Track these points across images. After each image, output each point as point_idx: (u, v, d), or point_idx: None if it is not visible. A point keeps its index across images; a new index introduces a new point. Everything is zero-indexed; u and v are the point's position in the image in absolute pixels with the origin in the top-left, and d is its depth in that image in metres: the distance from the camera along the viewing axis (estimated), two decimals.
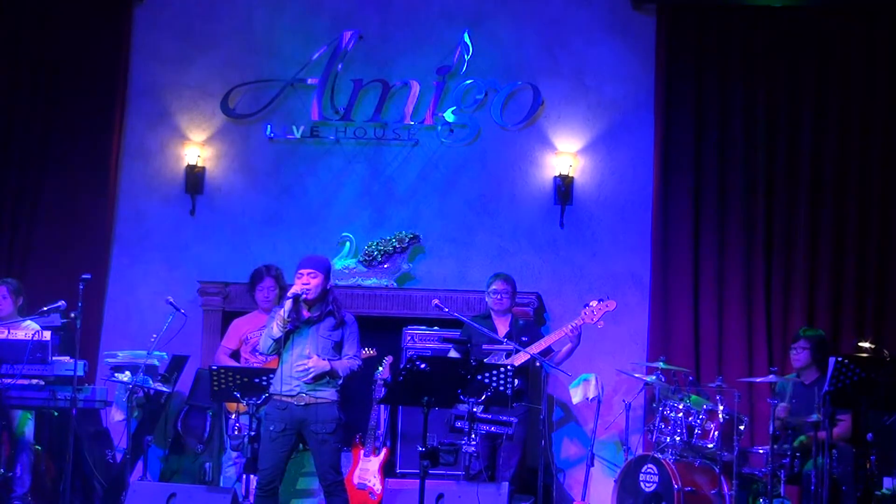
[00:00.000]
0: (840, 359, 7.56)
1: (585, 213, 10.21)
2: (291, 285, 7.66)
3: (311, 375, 7.44)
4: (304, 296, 7.45)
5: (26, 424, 8.87)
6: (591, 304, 8.70)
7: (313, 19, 10.47)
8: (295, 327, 7.48)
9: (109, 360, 9.51)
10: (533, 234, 10.23)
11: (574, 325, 8.65)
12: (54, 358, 8.72)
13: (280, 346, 7.46)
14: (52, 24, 10.47)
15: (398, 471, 9.38)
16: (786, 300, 9.82)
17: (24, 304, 9.16)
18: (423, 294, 9.86)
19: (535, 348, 8.64)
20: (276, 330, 7.45)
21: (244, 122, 10.44)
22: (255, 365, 8.66)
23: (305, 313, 7.52)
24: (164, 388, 8.99)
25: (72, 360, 8.52)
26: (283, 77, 10.38)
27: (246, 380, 8.10)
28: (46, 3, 10.51)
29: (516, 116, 10.25)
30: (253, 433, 8.00)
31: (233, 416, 8.38)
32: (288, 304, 7.42)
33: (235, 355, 9.22)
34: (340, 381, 7.53)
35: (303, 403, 7.48)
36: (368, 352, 8.91)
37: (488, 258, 10.12)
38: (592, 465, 9.34)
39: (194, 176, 10.41)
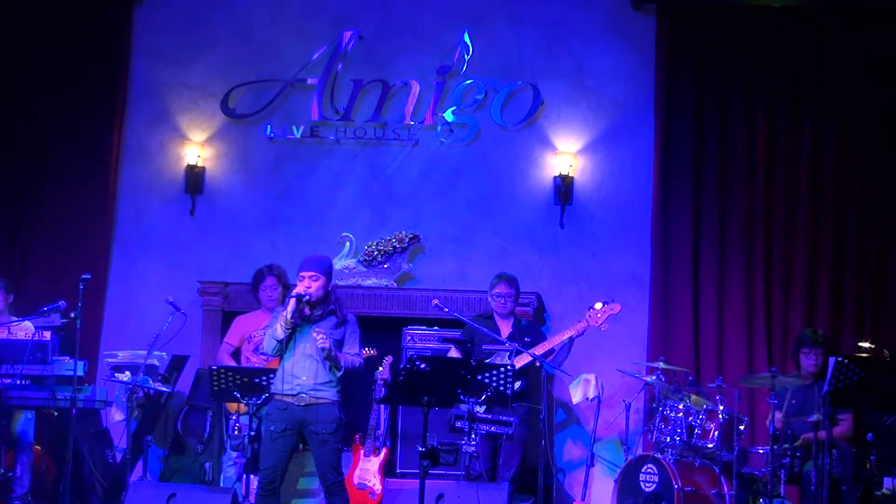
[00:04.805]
0: (840, 359, 7.56)
1: (585, 213, 10.21)
2: (294, 285, 7.67)
3: (327, 343, 7.39)
4: (306, 297, 7.46)
5: (19, 422, 8.86)
6: (595, 306, 8.69)
7: (313, 19, 10.46)
8: (297, 326, 7.49)
9: (109, 360, 9.52)
10: (533, 234, 10.23)
11: (578, 329, 8.63)
12: (54, 358, 8.72)
13: (283, 346, 7.47)
14: (52, 24, 10.46)
15: (398, 471, 9.38)
16: (786, 300, 9.82)
17: (15, 302, 9.14)
18: (423, 294, 9.86)
19: (538, 350, 8.62)
20: (279, 331, 7.46)
21: (244, 122, 10.44)
22: (256, 364, 8.66)
23: (308, 312, 7.53)
24: (164, 388, 8.99)
25: (72, 360, 8.52)
26: (283, 77, 10.38)
27: (246, 380, 8.11)
28: (46, 3, 10.51)
29: (516, 116, 10.25)
30: (253, 433, 8.01)
31: (233, 417, 8.39)
32: (291, 304, 7.42)
33: (237, 353, 9.21)
34: (340, 373, 7.52)
35: (303, 404, 7.49)
36: (369, 351, 8.92)
37: (488, 258, 10.11)
38: (593, 465, 9.35)
39: (194, 176, 10.41)
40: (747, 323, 9.82)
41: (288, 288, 8.66)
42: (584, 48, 10.29)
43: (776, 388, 8.38)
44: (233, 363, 9.01)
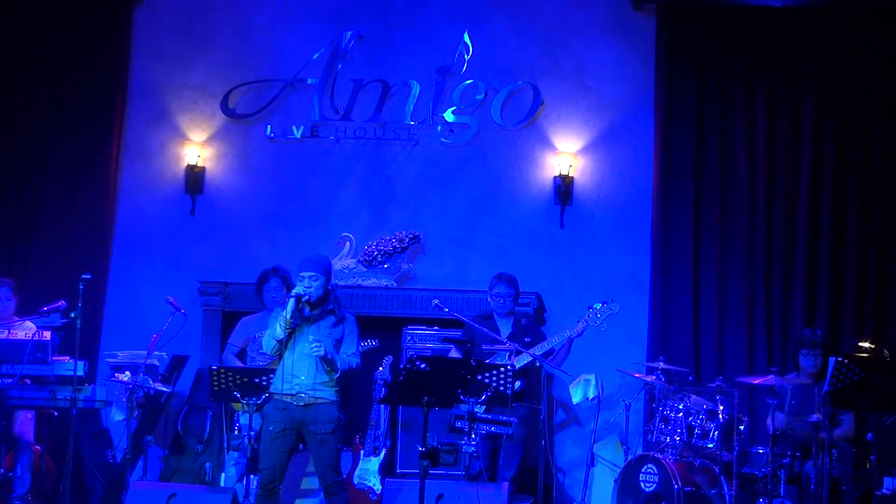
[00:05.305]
0: (840, 359, 7.56)
1: (585, 213, 10.21)
2: (295, 286, 7.67)
3: (321, 350, 7.39)
4: (306, 297, 7.46)
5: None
6: (595, 306, 8.68)
7: (313, 19, 10.47)
8: (296, 326, 7.49)
9: (109, 360, 9.52)
10: (533, 234, 10.23)
11: (577, 329, 8.62)
12: (54, 358, 8.72)
13: (283, 346, 7.47)
14: (53, 24, 10.46)
15: (398, 471, 9.37)
16: (786, 300, 9.82)
17: (20, 304, 9.16)
18: (423, 294, 9.86)
19: (538, 350, 8.61)
20: (279, 330, 7.46)
21: (244, 122, 10.45)
22: (260, 364, 8.66)
23: (308, 312, 7.53)
24: (164, 388, 8.99)
25: (72, 360, 8.52)
26: (283, 77, 10.38)
27: (246, 380, 8.11)
28: (46, 4, 10.51)
29: (516, 116, 10.25)
30: (254, 433, 8.01)
31: (235, 416, 8.41)
32: (290, 304, 7.43)
33: (241, 354, 9.21)
34: (337, 375, 7.52)
35: (302, 403, 7.48)
36: (370, 342, 8.94)
37: (488, 258, 10.11)
38: (593, 465, 9.35)
39: (194, 176, 10.41)
40: (747, 323, 9.82)
41: (291, 289, 8.65)
42: (584, 48, 10.29)
43: (776, 388, 8.38)
44: (241, 364, 9.00)
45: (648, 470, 8.70)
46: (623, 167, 10.23)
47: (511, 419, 8.21)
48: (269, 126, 10.38)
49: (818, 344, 8.67)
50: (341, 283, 9.74)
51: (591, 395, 9.42)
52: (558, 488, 9.54)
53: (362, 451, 9.07)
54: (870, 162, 9.87)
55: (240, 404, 8.20)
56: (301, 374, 7.49)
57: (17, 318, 9.01)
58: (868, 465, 8.00)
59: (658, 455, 8.70)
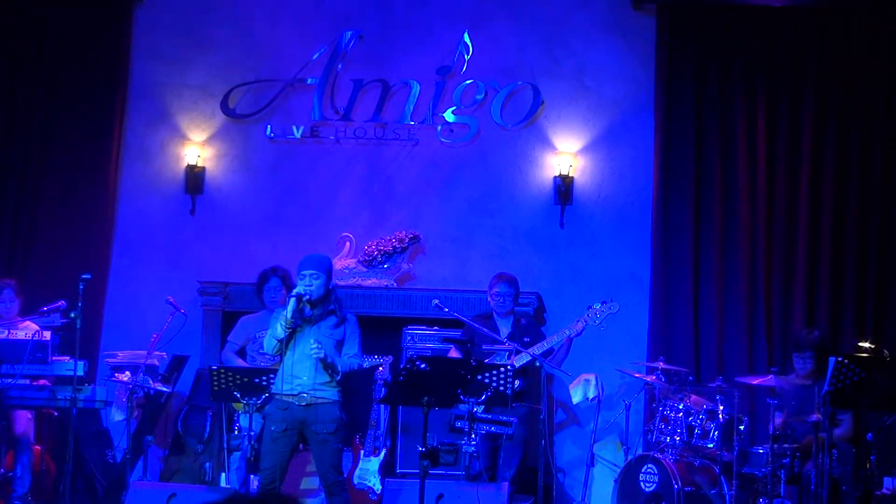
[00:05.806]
0: (840, 359, 7.56)
1: (585, 213, 10.21)
2: (296, 286, 7.67)
3: (321, 353, 7.39)
4: (307, 296, 7.46)
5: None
6: (594, 306, 8.68)
7: (313, 19, 10.46)
8: (297, 326, 7.49)
9: (109, 360, 9.52)
10: (533, 234, 10.23)
11: (576, 328, 8.62)
12: (54, 358, 8.73)
13: (283, 345, 7.47)
14: (53, 24, 10.46)
15: (398, 471, 9.37)
16: (786, 300, 9.82)
17: (23, 305, 9.18)
18: (423, 294, 9.85)
19: (537, 349, 8.61)
20: (279, 330, 7.46)
21: (244, 122, 10.44)
22: (262, 364, 8.66)
23: (308, 312, 7.53)
24: (164, 388, 9.00)
25: (72, 360, 8.52)
26: (283, 77, 10.37)
27: (246, 380, 8.11)
28: (46, 4, 10.51)
29: (516, 116, 10.25)
30: (254, 433, 8.01)
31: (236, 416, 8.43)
32: (291, 303, 7.43)
33: (241, 353, 9.21)
34: (339, 377, 7.52)
35: (304, 403, 7.48)
36: (378, 363, 8.94)
37: (488, 258, 10.11)
38: (593, 465, 9.35)
39: (194, 176, 10.41)
40: (747, 323, 9.82)
41: (291, 289, 8.66)
42: (584, 48, 10.29)
43: (776, 388, 8.38)
44: (242, 362, 9.01)
45: (648, 470, 8.70)
46: (623, 167, 10.22)
47: (511, 419, 8.21)
48: (269, 126, 10.37)
49: (810, 345, 8.65)
50: (341, 283, 9.73)
51: (591, 395, 9.42)
52: (558, 488, 9.54)
53: (362, 451, 9.07)
54: (870, 162, 9.86)
55: (240, 404, 8.21)
56: (302, 375, 7.49)
57: (19, 319, 9.02)
58: (868, 465, 8.02)
59: (658, 455, 8.71)
